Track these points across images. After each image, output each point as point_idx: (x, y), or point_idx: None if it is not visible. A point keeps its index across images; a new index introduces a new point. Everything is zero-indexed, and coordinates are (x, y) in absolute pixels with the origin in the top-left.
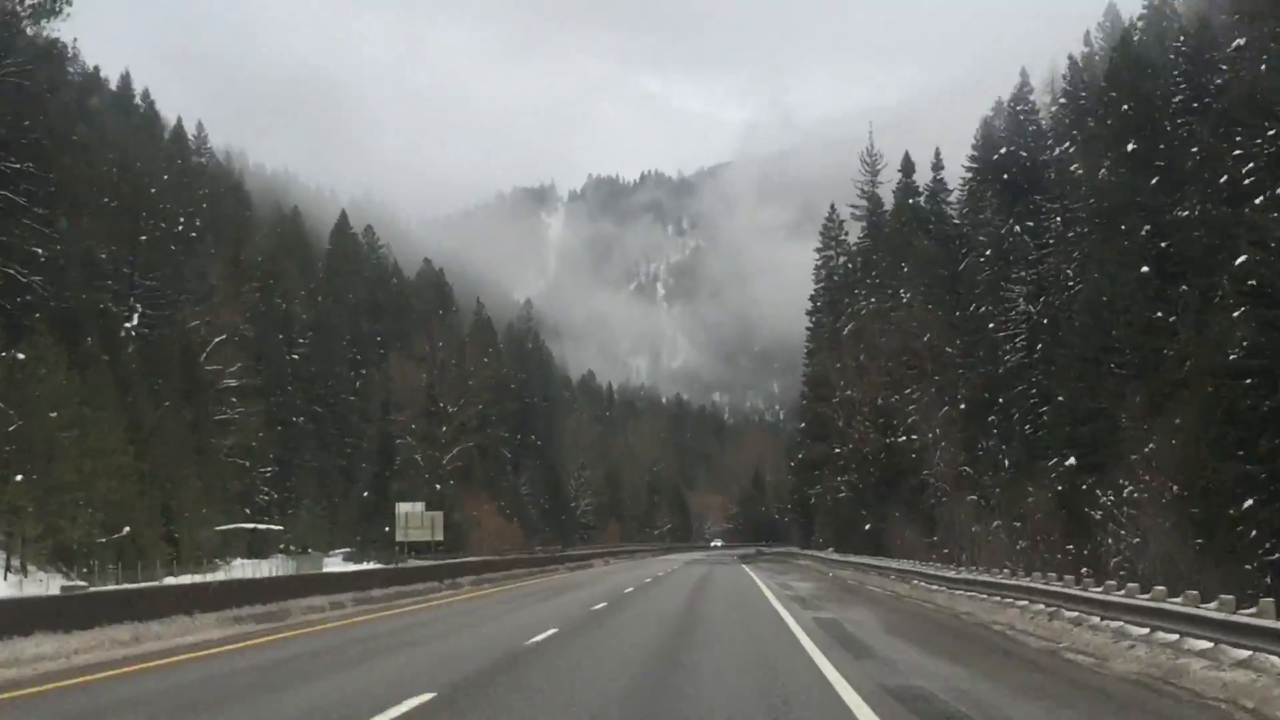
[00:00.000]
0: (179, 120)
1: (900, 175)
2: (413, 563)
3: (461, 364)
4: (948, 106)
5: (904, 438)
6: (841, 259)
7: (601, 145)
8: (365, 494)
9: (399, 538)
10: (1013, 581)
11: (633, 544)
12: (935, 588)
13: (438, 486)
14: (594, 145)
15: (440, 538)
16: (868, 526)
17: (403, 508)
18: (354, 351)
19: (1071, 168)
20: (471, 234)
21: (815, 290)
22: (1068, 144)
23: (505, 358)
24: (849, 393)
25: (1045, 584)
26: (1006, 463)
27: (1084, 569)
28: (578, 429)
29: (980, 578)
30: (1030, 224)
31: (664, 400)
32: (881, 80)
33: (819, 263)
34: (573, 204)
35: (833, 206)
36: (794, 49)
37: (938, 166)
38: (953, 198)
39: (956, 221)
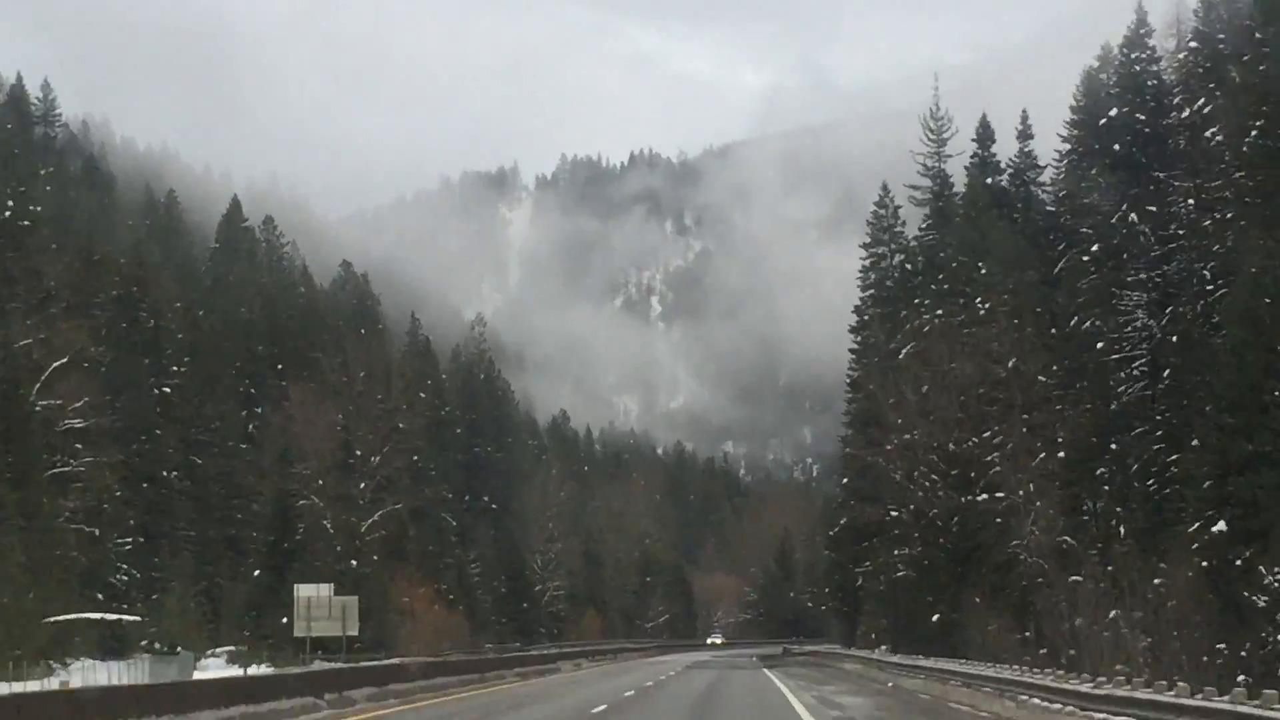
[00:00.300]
0: (18, 79)
1: (975, 146)
2: (317, 665)
3: (388, 399)
4: (1033, 63)
5: (985, 496)
6: (897, 258)
7: (580, 118)
8: (257, 573)
9: (298, 632)
10: (1197, 702)
11: (616, 641)
12: (1059, 707)
13: (354, 563)
14: (570, 118)
15: (354, 632)
16: (936, 617)
17: (303, 591)
18: (246, 384)
19: (1208, 133)
20: (408, 232)
21: (862, 300)
22: (1202, 101)
23: (449, 393)
24: (910, 436)
25: (1260, 708)
26: (1122, 531)
27: (1241, 675)
28: (546, 489)
29: (1139, 695)
30: (1152, 209)
31: (660, 452)
32: (946, 36)
33: (867, 263)
34: (542, 193)
35: (885, 188)
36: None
37: (1025, 135)
38: (1044, 177)
39: (1051, 209)
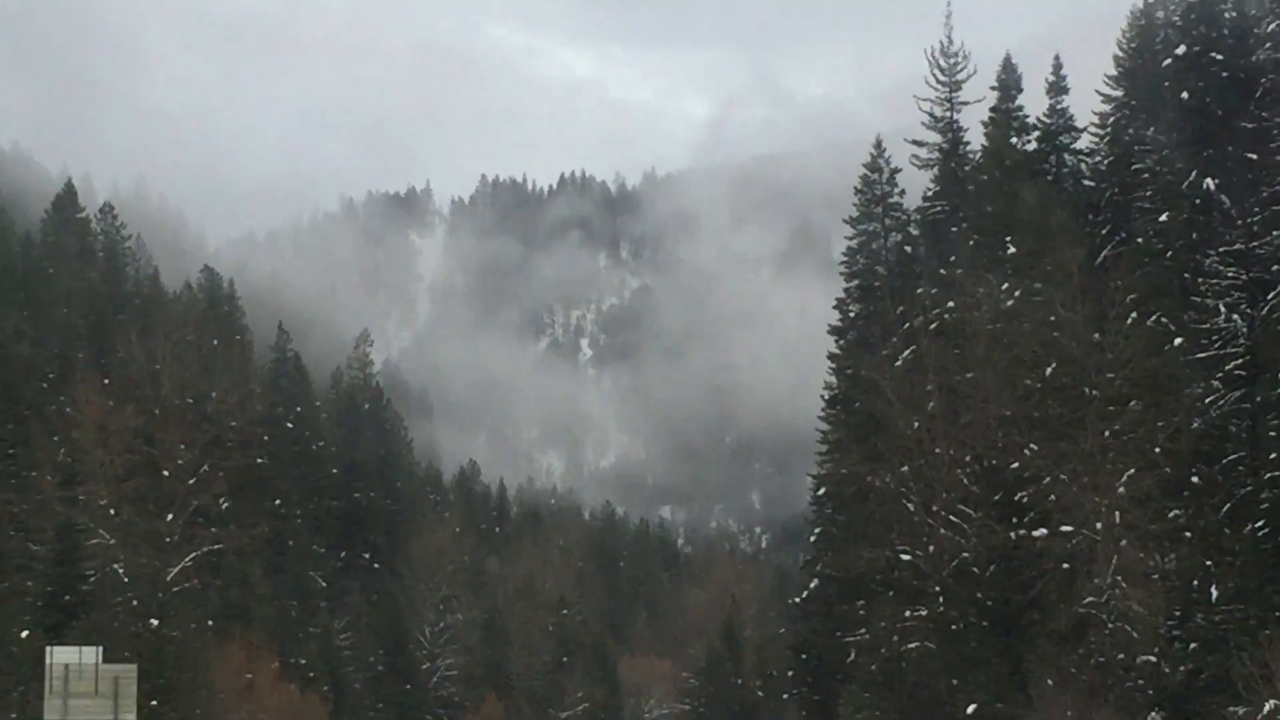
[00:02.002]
0: None
1: (996, 95)
2: None
3: (204, 402)
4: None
5: (1042, 531)
6: (894, 237)
7: (504, 140)
8: (25, 635)
9: (49, 714)
10: None
11: None
12: None
13: (154, 623)
14: (492, 140)
15: (130, 716)
16: (972, 709)
17: (59, 657)
18: (60, 401)
19: None
20: (301, 258)
21: (846, 292)
22: None
23: (325, 426)
24: (931, 452)
25: None
26: (1213, 592)
27: None
28: (443, 546)
29: None
30: (1252, 154)
31: (588, 515)
32: (919, 51)
33: (854, 244)
34: (457, 218)
35: (879, 145)
36: (788, 12)
37: (1058, 89)
38: (1081, 143)
39: (1090, 182)
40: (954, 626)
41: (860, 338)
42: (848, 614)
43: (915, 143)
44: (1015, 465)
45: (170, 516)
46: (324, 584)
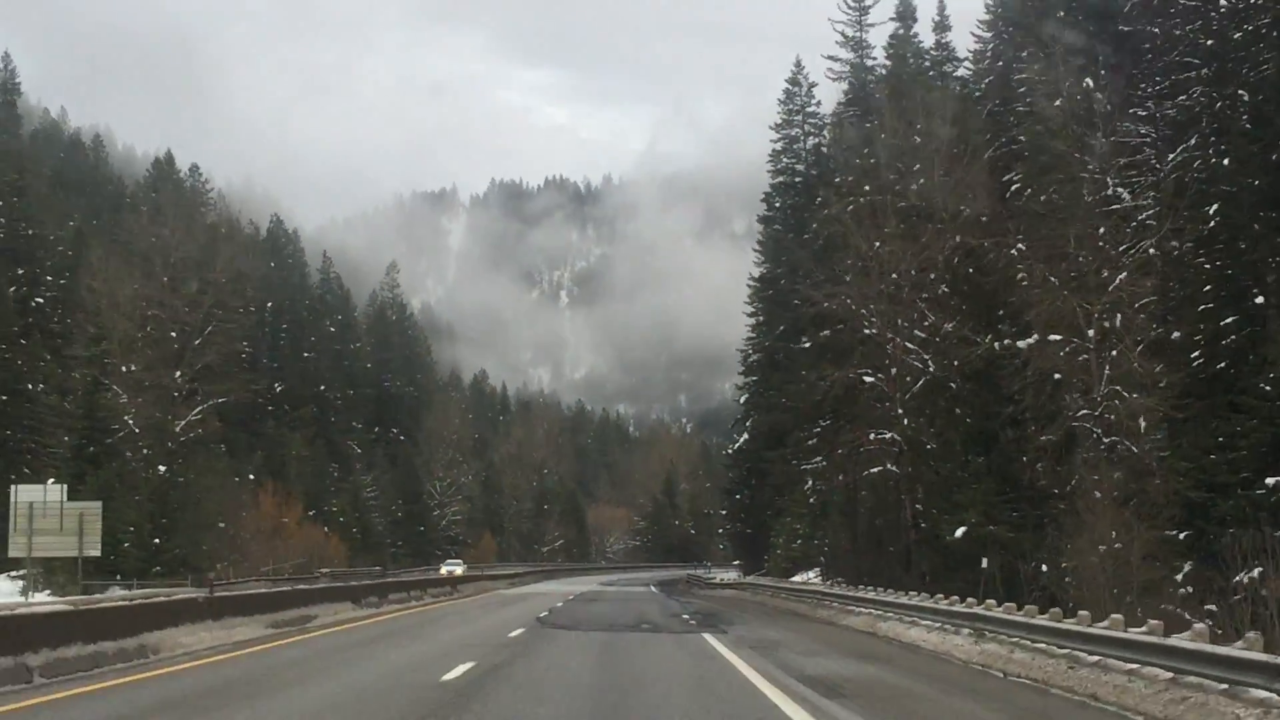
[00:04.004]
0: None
1: (897, 25)
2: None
3: (208, 269)
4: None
5: (1028, 340)
6: (811, 140)
7: (505, 156)
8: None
9: (15, 550)
10: None
11: (513, 565)
12: None
13: (161, 469)
14: (496, 156)
15: (95, 551)
16: (960, 531)
17: (25, 495)
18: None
19: None
20: (367, 239)
21: (771, 188)
22: None
23: (363, 331)
24: (890, 275)
25: None
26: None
27: None
28: (448, 421)
29: None
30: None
31: (565, 410)
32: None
33: (778, 146)
34: (474, 208)
35: (799, 63)
36: (696, 70)
37: (942, 27)
38: (961, 73)
39: (979, 94)
40: (929, 446)
41: (785, 224)
42: (796, 446)
43: (830, 58)
44: (994, 273)
45: (178, 374)
46: (359, 450)
